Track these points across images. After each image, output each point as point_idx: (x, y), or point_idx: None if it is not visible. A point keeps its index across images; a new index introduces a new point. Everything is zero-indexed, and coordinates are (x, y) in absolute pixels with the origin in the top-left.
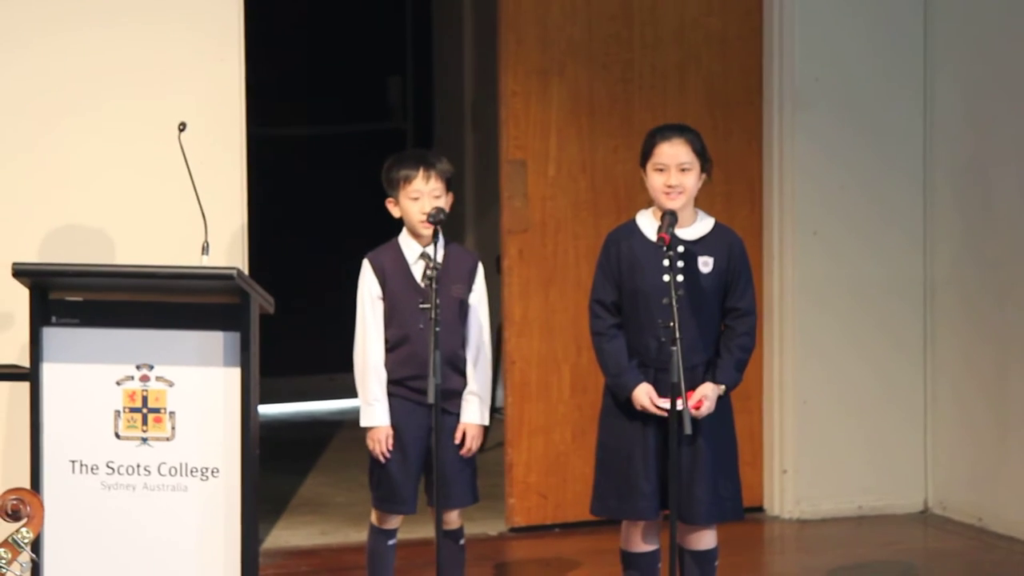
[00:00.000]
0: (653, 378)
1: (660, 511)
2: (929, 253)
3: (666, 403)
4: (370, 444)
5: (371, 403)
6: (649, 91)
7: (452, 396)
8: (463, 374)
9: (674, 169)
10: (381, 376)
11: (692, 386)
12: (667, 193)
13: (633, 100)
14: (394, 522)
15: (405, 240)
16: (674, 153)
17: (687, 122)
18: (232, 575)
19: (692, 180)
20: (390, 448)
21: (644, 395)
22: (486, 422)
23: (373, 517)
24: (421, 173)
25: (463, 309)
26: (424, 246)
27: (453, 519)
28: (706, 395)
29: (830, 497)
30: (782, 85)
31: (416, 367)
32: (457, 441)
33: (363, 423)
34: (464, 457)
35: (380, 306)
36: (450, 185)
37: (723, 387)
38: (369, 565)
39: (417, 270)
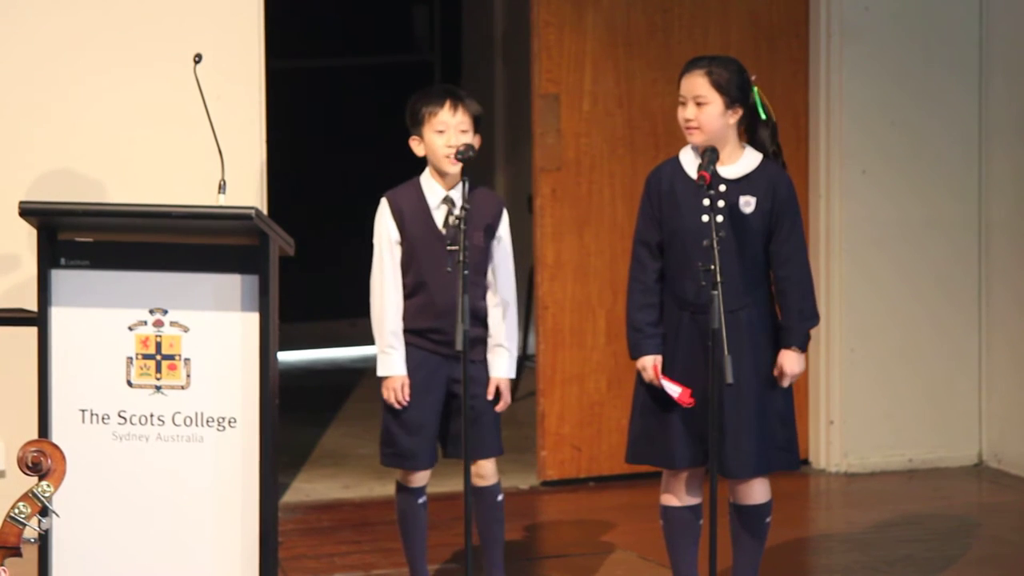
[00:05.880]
0: (689, 320)
1: (698, 462)
2: (984, 194)
3: (672, 386)
4: (385, 393)
5: (387, 351)
6: (690, 20)
7: (474, 344)
8: (483, 323)
9: (690, 102)
10: (398, 323)
11: (735, 332)
12: (685, 128)
13: (673, 30)
14: (420, 479)
15: (427, 181)
16: (689, 86)
17: (730, 53)
18: (250, 530)
19: (710, 115)
20: (407, 397)
21: (650, 367)
22: (514, 375)
23: (399, 474)
24: (448, 104)
25: (485, 256)
26: (448, 189)
27: (489, 474)
28: (782, 367)
29: (879, 449)
30: (830, 14)
31: (432, 317)
32: (491, 397)
33: (379, 372)
34: (489, 407)
35: (398, 250)
36: (478, 126)
37: (796, 349)
38: (401, 526)
39: (439, 215)
